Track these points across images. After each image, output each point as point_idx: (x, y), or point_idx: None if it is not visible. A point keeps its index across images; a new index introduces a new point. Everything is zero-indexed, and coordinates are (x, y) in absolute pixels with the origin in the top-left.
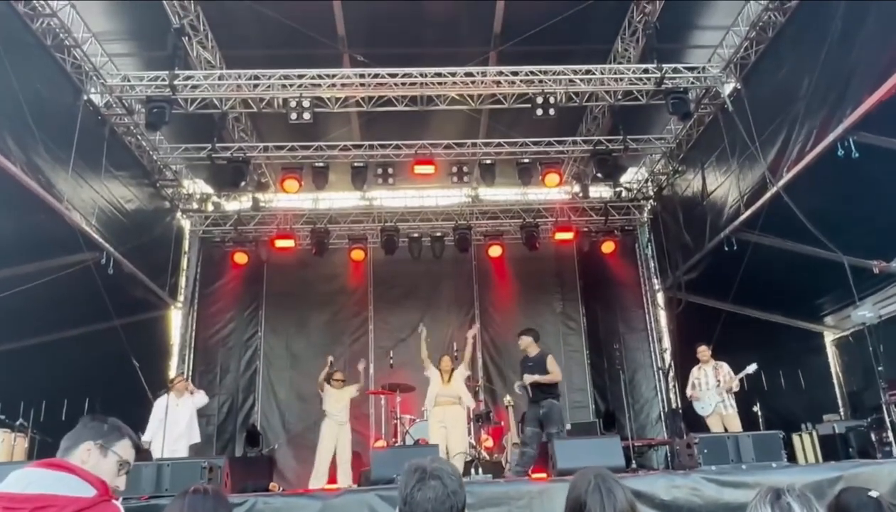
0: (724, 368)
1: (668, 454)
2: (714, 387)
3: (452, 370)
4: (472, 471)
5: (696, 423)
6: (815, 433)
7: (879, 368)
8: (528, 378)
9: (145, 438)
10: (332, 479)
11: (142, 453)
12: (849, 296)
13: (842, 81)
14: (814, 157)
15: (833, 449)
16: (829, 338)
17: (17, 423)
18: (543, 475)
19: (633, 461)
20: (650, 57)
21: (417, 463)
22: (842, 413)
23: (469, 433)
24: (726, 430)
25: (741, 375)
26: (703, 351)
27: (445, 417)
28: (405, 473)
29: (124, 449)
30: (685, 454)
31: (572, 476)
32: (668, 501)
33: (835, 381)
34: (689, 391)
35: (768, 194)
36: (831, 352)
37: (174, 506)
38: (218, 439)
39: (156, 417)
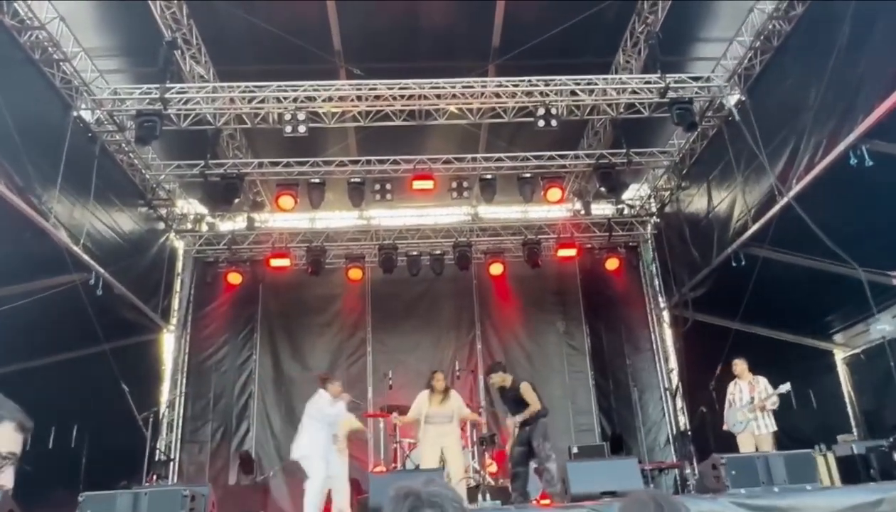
0: (762, 383)
1: (678, 478)
2: (748, 403)
3: (447, 389)
4: (480, 497)
5: (706, 445)
6: (832, 454)
7: None
8: (517, 419)
9: (308, 452)
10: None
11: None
12: (858, 313)
13: (851, 89)
14: (824, 167)
15: (853, 471)
16: (840, 356)
17: None
18: (547, 501)
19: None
20: (653, 68)
21: (408, 488)
22: (855, 433)
23: (473, 457)
24: (758, 451)
25: (773, 394)
26: (738, 364)
27: (440, 438)
28: (392, 501)
29: (1, 437)
30: (711, 476)
31: (621, 502)
32: None
33: (847, 400)
34: (725, 409)
35: (777, 206)
36: (842, 370)
37: None
38: (211, 467)
39: (323, 417)
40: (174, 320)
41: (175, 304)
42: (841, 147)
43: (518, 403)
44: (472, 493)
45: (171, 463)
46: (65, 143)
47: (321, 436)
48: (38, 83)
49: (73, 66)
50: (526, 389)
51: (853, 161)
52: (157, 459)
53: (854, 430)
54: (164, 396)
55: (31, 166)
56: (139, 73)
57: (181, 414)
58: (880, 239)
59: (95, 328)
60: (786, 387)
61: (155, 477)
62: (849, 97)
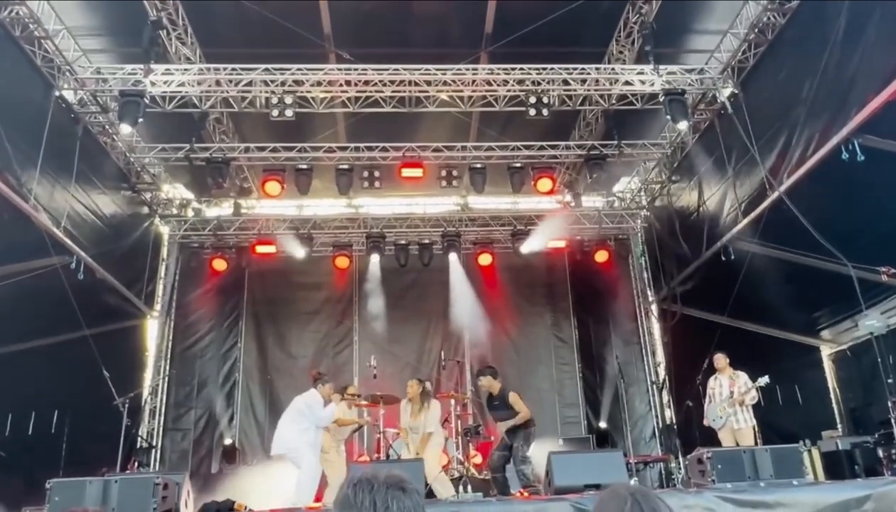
0: (741, 378)
1: (663, 472)
2: (727, 398)
3: (424, 396)
4: (461, 489)
5: (691, 439)
6: (816, 450)
7: (889, 380)
8: (502, 426)
9: (297, 444)
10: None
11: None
12: (846, 308)
13: (845, 83)
14: (816, 161)
15: (838, 466)
16: (826, 352)
17: None
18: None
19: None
20: (646, 59)
21: (366, 474)
22: (840, 429)
23: (457, 448)
24: (738, 446)
25: (751, 387)
26: (719, 359)
27: (416, 441)
28: (353, 486)
29: None
30: (696, 470)
31: (598, 495)
32: None
33: (832, 396)
34: (705, 404)
35: (768, 201)
36: (828, 366)
37: None
38: (194, 455)
39: (315, 419)
40: (158, 306)
41: (159, 289)
42: (833, 141)
43: (505, 410)
44: (455, 484)
45: (154, 450)
46: (46, 123)
47: (310, 431)
48: (17, 61)
49: (55, 45)
50: (515, 399)
51: (845, 156)
52: (139, 445)
53: (839, 426)
54: (147, 383)
55: (11, 146)
56: (124, 53)
57: (164, 401)
58: (870, 234)
59: (77, 313)
60: (763, 380)
61: (136, 464)
62: (842, 91)
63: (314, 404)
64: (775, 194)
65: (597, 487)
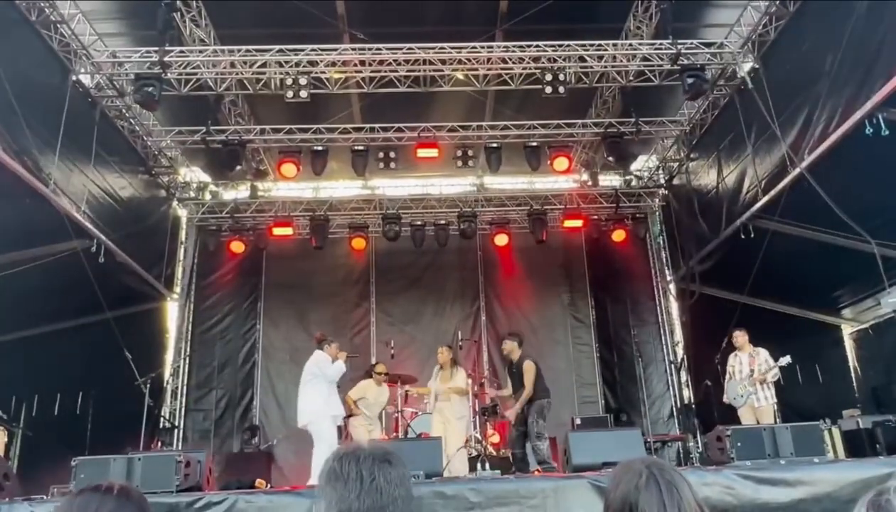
0: (762, 355)
1: (681, 451)
2: (747, 376)
3: (453, 363)
4: (479, 466)
5: (710, 419)
6: (837, 429)
7: None
8: (508, 415)
9: (317, 411)
10: None
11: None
12: (868, 286)
13: (870, 55)
14: (839, 136)
15: (858, 445)
16: (847, 331)
17: None
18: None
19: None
20: (665, 35)
21: (354, 445)
22: (860, 408)
23: (475, 427)
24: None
25: (774, 367)
26: (739, 336)
27: (442, 412)
28: (339, 459)
29: None
30: (715, 448)
31: (612, 469)
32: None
33: (853, 375)
34: (725, 381)
35: (789, 178)
36: (849, 345)
37: (63, 505)
38: (216, 435)
39: (325, 376)
40: (178, 289)
41: (178, 272)
42: (857, 116)
43: (520, 382)
44: (473, 462)
45: (176, 430)
46: (63, 107)
47: (331, 397)
48: (35, 46)
49: (71, 29)
50: (527, 369)
51: (869, 130)
52: (161, 426)
53: (860, 405)
54: (169, 364)
55: (29, 131)
56: (139, 36)
57: (185, 382)
58: (894, 210)
59: (98, 296)
60: (786, 359)
61: (160, 444)
62: (866, 64)
63: (323, 363)
64: (796, 171)
65: (615, 465)
